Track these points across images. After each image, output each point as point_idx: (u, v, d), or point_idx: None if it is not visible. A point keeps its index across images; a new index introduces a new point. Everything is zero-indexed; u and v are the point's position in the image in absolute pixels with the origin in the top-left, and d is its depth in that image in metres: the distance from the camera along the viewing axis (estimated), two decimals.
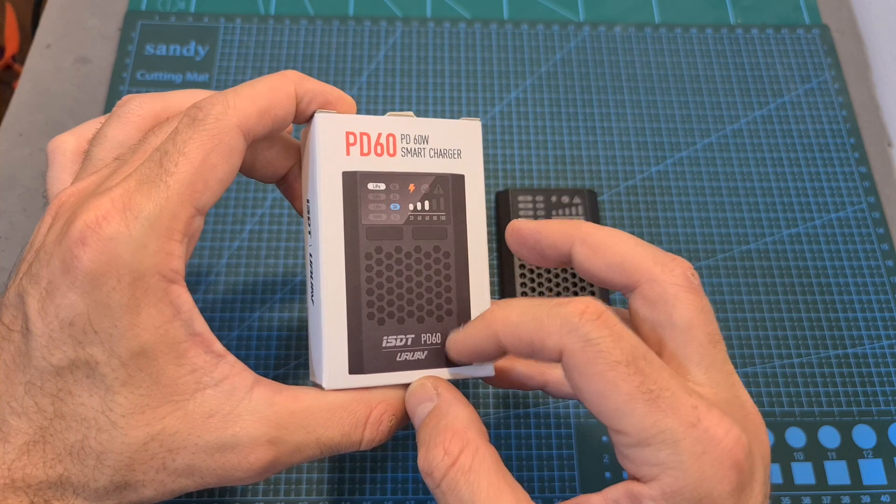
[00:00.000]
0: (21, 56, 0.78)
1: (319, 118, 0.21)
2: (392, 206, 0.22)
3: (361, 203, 0.21)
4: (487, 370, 0.23)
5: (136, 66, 0.40)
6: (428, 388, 0.21)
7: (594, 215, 0.35)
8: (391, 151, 0.22)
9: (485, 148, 0.39)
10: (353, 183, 0.21)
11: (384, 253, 0.21)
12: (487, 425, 0.32)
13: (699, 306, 0.19)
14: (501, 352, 0.21)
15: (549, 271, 0.33)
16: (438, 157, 0.22)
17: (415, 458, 0.31)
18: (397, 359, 0.21)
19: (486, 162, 0.38)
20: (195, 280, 0.34)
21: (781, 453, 0.32)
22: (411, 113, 0.23)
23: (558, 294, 0.32)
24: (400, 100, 0.40)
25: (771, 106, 0.41)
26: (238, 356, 0.33)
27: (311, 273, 0.22)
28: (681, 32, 0.43)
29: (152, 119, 0.22)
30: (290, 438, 0.19)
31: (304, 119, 0.22)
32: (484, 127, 0.39)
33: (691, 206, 0.38)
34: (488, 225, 0.36)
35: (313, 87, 0.21)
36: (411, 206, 0.22)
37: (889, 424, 0.33)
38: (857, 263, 0.37)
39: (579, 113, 0.40)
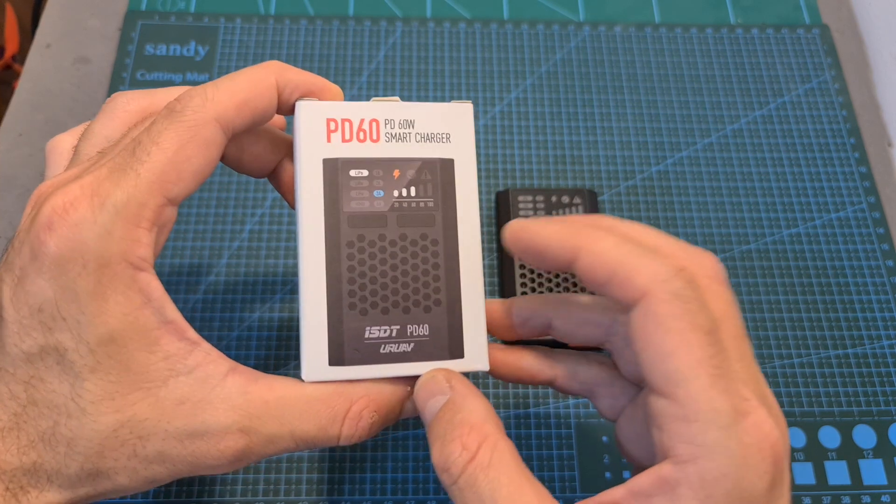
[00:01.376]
0: (21, 56, 0.78)
1: (300, 106, 0.21)
2: (375, 193, 0.21)
3: (343, 190, 0.21)
4: (482, 363, 0.21)
5: (136, 66, 0.40)
6: (440, 380, 0.20)
7: (594, 212, 0.35)
8: (374, 137, 0.21)
9: (485, 148, 0.39)
10: (335, 170, 0.21)
11: (367, 241, 0.21)
12: None
13: (728, 299, 0.19)
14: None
15: (549, 271, 0.33)
16: (425, 141, 0.22)
17: (415, 458, 0.31)
18: (381, 351, 0.21)
19: (486, 162, 0.38)
20: (195, 280, 0.34)
21: None
22: (397, 98, 0.22)
23: (556, 275, 0.33)
24: (400, 99, 0.40)
25: (771, 106, 0.41)
26: (238, 356, 0.33)
27: None
28: (681, 32, 0.43)
29: (140, 114, 0.22)
30: (262, 429, 0.19)
31: (288, 110, 0.21)
32: (484, 127, 0.39)
33: (691, 206, 0.38)
34: (488, 224, 0.36)
35: (296, 76, 0.21)
36: (396, 193, 0.21)
37: (889, 424, 0.33)
38: (858, 263, 0.37)
39: (579, 113, 0.40)
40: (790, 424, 0.33)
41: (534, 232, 0.20)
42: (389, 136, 0.21)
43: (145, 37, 0.41)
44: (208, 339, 0.33)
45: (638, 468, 0.21)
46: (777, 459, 0.17)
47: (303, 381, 0.20)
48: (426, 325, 0.21)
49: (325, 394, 0.20)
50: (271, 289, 0.35)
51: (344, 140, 0.21)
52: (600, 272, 0.18)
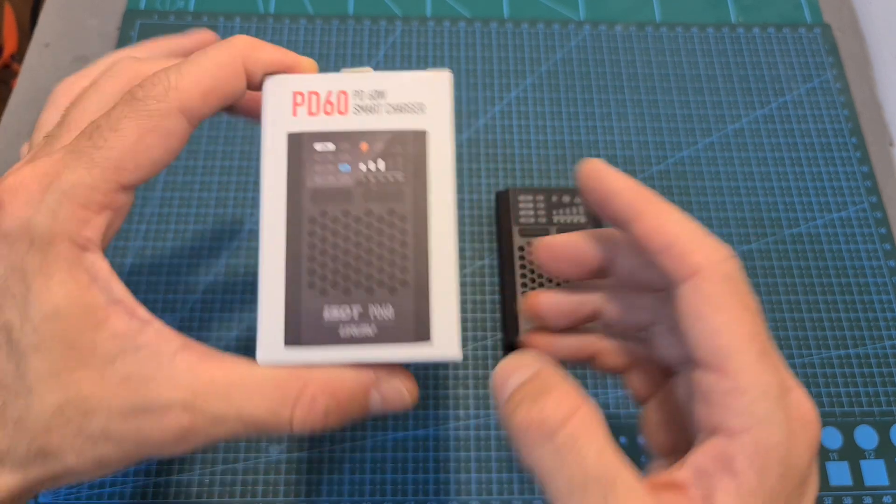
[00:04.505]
0: (19, 55, 0.78)
1: (267, 81, 0.20)
2: (341, 168, 0.20)
3: (306, 165, 0.20)
4: (453, 350, 0.19)
5: None
6: (525, 356, 0.19)
7: (595, 215, 0.34)
8: (342, 110, 0.20)
9: (485, 147, 0.38)
10: (299, 145, 0.20)
11: (329, 217, 0.20)
12: (488, 426, 0.32)
13: (746, 286, 0.20)
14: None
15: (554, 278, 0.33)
16: (397, 112, 0.20)
17: (414, 458, 0.31)
18: (340, 333, 0.19)
19: (486, 161, 0.38)
20: (194, 280, 0.34)
21: None
22: (369, 69, 0.21)
23: None
24: None
25: (772, 105, 0.41)
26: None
27: None
28: (682, 31, 0.43)
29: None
30: (207, 407, 0.18)
31: (258, 87, 0.21)
32: (484, 126, 0.39)
33: (693, 206, 0.37)
34: (489, 224, 0.36)
35: (265, 55, 0.20)
36: (363, 167, 0.20)
37: (891, 425, 0.33)
38: (860, 263, 0.36)
39: (580, 112, 0.40)
40: None
41: (610, 177, 0.20)
42: (358, 108, 0.20)
43: (144, 36, 0.41)
44: (206, 339, 0.33)
45: (661, 455, 0.21)
46: (818, 436, 0.18)
47: (257, 362, 0.19)
48: (390, 307, 0.19)
49: (278, 376, 0.19)
50: (211, 281, 0.34)
51: (310, 113, 0.20)
52: (658, 240, 0.19)
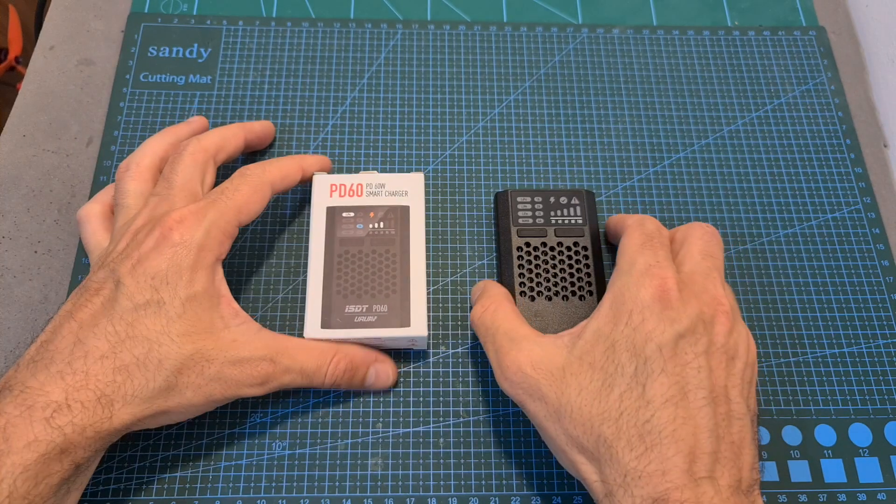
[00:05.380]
0: (25, 58, 0.79)
1: (315, 178, 0.34)
2: (358, 226, 0.33)
3: (337, 224, 0.33)
4: (421, 330, 0.31)
5: (139, 68, 0.40)
6: (481, 284, 0.34)
7: (592, 216, 0.35)
8: (359, 193, 0.34)
9: (484, 149, 0.39)
10: (333, 213, 0.33)
11: (350, 254, 0.32)
12: (487, 423, 0.32)
13: (701, 236, 0.30)
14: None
15: (546, 272, 0.33)
16: (391, 195, 0.34)
17: (415, 454, 0.32)
18: (355, 320, 0.31)
19: (485, 163, 0.39)
20: None
21: (778, 451, 0.32)
22: (375, 171, 0.35)
23: (556, 293, 0.33)
24: (401, 101, 0.40)
25: (768, 107, 0.41)
26: None
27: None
28: (678, 34, 0.43)
29: (153, 167, 0.33)
30: (282, 361, 0.29)
31: (307, 180, 0.35)
32: (483, 129, 0.40)
33: (689, 207, 0.38)
34: (487, 225, 0.37)
35: (311, 162, 0.35)
36: (371, 226, 0.33)
37: (885, 423, 0.33)
38: (854, 263, 0.37)
39: (577, 115, 0.40)
40: (787, 423, 0.33)
41: (609, 220, 0.36)
42: (369, 193, 0.34)
43: (148, 39, 0.41)
44: None
45: None
46: (661, 286, 0.27)
47: (304, 337, 0.31)
48: (386, 305, 0.31)
49: (320, 344, 0.31)
50: (273, 288, 0.35)
51: (340, 196, 0.34)
52: (616, 225, 0.34)
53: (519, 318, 0.30)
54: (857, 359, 0.35)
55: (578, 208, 0.35)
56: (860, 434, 0.33)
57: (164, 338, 0.27)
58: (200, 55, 0.41)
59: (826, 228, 0.38)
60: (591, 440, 0.25)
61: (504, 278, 0.34)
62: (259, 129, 0.37)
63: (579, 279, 0.33)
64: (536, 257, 0.33)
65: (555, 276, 0.33)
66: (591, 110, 0.41)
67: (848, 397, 0.34)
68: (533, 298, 0.33)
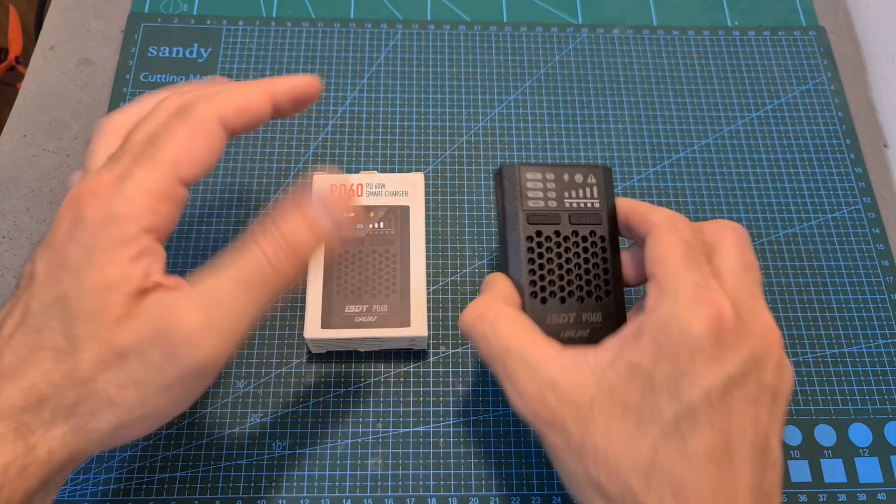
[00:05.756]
0: (25, 58, 0.79)
1: (315, 178, 0.33)
2: (359, 226, 0.33)
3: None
4: (421, 330, 0.31)
5: (139, 68, 0.40)
6: (488, 277, 0.29)
7: (610, 198, 0.30)
8: (360, 194, 0.33)
9: (484, 150, 0.39)
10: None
11: (350, 254, 0.32)
12: (487, 423, 0.32)
13: (736, 243, 0.26)
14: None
15: (560, 267, 0.28)
16: (391, 195, 0.33)
17: (415, 454, 0.32)
18: (355, 320, 0.31)
19: (485, 163, 0.39)
20: None
21: None
22: (376, 171, 0.35)
23: (571, 293, 0.28)
24: (401, 101, 0.40)
25: (768, 107, 0.41)
26: (240, 354, 0.33)
27: None
28: (678, 35, 0.43)
29: (124, 127, 0.25)
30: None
31: (282, 115, 0.27)
32: (483, 129, 0.40)
33: (689, 207, 0.38)
34: (487, 225, 0.37)
35: (284, 87, 0.26)
36: (371, 226, 0.33)
37: (885, 423, 0.33)
38: (854, 264, 0.37)
39: (577, 115, 0.40)
40: (786, 423, 0.33)
41: (620, 201, 0.29)
42: (369, 193, 0.33)
43: (148, 39, 0.41)
44: None
45: None
46: (717, 316, 0.22)
47: (305, 337, 0.31)
48: (386, 305, 0.31)
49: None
50: None
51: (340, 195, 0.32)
52: (635, 219, 0.28)
53: (528, 329, 0.25)
54: (857, 359, 0.35)
55: (595, 189, 0.29)
56: (860, 434, 0.33)
57: (67, 345, 0.21)
58: (200, 55, 0.41)
59: (826, 228, 0.38)
60: (616, 489, 0.22)
61: (510, 271, 0.28)
62: (291, 86, 0.26)
63: (595, 276, 0.28)
64: (549, 249, 0.28)
65: (569, 272, 0.28)
66: (591, 110, 0.41)
67: (848, 397, 0.34)
68: (545, 300, 0.28)
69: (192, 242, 0.36)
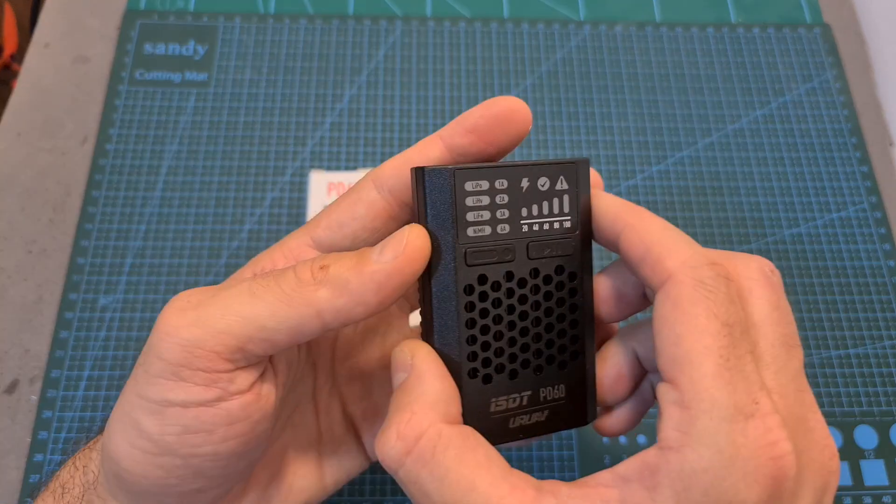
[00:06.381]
0: (20, 55, 0.78)
1: (313, 176, 0.35)
2: None
3: None
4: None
5: (135, 66, 0.40)
6: (404, 354, 0.18)
7: (585, 208, 0.20)
8: None
9: None
10: None
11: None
12: None
13: (774, 303, 0.17)
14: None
15: (512, 326, 0.20)
16: None
17: None
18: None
19: None
20: (193, 280, 0.34)
21: None
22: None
23: (525, 362, 0.20)
24: (400, 99, 0.40)
25: (772, 105, 0.41)
26: None
27: None
28: (681, 31, 0.43)
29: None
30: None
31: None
32: None
33: (692, 206, 0.38)
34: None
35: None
36: None
37: (891, 425, 0.33)
38: (859, 263, 0.36)
39: (580, 112, 0.40)
40: None
41: (597, 198, 0.20)
42: None
43: (144, 36, 0.41)
44: None
45: None
46: (777, 477, 0.15)
47: None
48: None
49: None
50: None
51: (338, 194, 0.32)
52: (637, 249, 0.18)
53: (485, 465, 0.17)
54: (863, 360, 0.34)
55: (566, 199, 0.20)
56: (866, 436, 0.33)
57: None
58: (197, 52, 0.41)
59: (831, 228, 0.37)
60: None
61: (438, 340, 0.19)
62: (479, 121, 0.19)
63: (560, 333, 0.20)
64: (497, 302, 0.19)
65: (524, 333, 0.20)
66: (594, 108, 0.40)
67: (853, 399, 0.33)
68: (488, 378, 0.19)
69: (188, 242, 0.35)
